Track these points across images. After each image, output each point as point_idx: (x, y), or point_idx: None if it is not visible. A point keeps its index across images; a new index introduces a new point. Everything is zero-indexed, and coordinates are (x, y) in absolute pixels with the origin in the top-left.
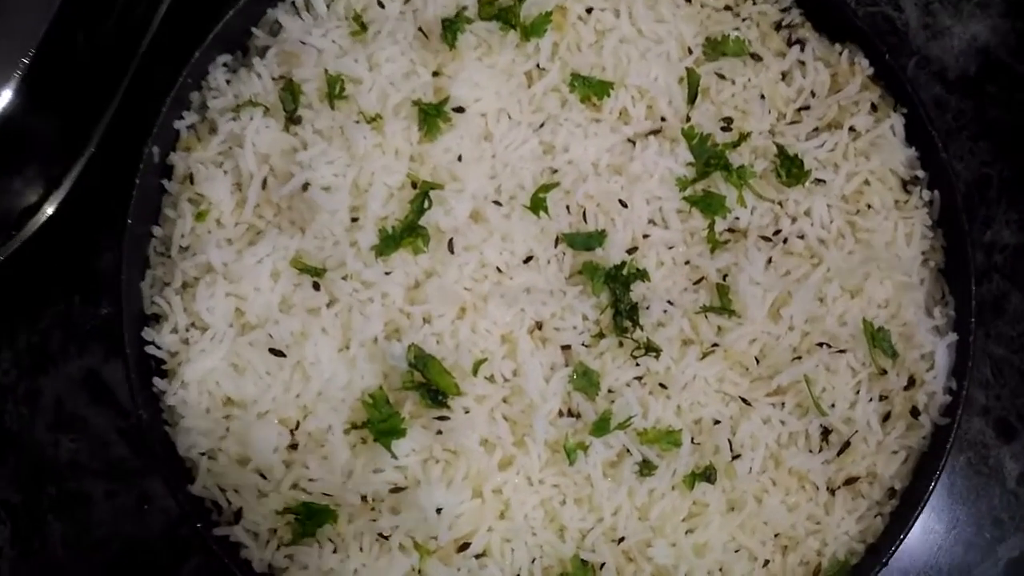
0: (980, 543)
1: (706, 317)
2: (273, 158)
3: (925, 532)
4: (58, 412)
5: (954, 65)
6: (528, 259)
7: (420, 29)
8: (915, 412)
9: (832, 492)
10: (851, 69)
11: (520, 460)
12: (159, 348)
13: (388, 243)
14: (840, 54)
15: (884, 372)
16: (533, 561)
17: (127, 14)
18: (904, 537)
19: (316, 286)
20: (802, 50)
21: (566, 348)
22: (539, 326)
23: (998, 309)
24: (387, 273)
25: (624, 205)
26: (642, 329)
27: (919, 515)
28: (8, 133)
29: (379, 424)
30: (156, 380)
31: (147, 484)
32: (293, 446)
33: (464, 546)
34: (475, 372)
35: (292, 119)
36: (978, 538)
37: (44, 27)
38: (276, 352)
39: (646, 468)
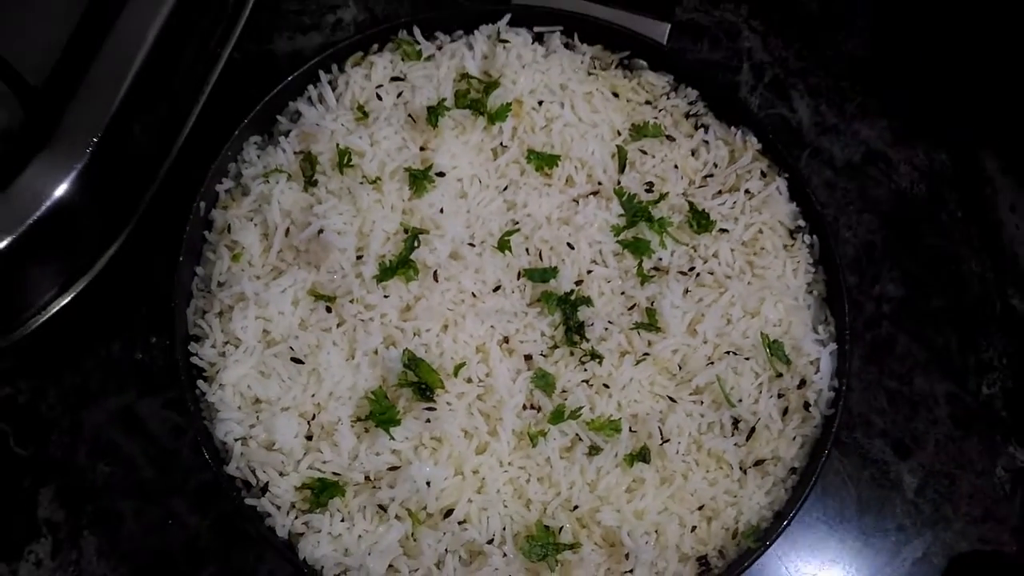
0: (887, 546)
1: (638, 333)
2: (294, 212)
3: (840, 541)
4: (96, 442)
5: (840, 155)
6: (497, 288)
7: (410, 115)
8: (807, 406)
9: (744, 471)
10: (744, 145)
11: (493, 446)
12: (201, 359)
13: (386, 273)
14: (735, 135)
15: (780, 375)
16: (504, 528)
17: (174, 105)
18: (802, 504)
19: (328, 309)
20: (706, 133)
21: (528, 357)
22: (506, 340)
23: (889, 350)
24: (385, 297)
25: (571, 247)
26: (588, 342)
27: (813, 487)
28: (67, 214)
29: (379, 416)
30: (199, 383)
31: (171, 503)
32: (309, 436)
33: (448, 512)
34: (456, 374)
35: (310, 182)
36: (885, 542)
37: (106, 118)
38: (296, 360)
39: (594, 451)
